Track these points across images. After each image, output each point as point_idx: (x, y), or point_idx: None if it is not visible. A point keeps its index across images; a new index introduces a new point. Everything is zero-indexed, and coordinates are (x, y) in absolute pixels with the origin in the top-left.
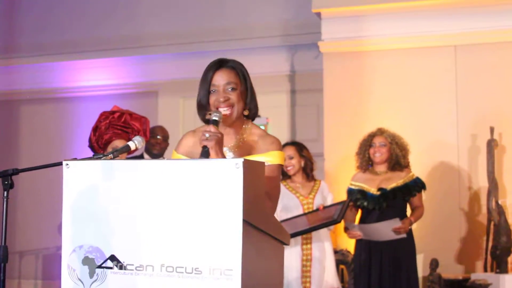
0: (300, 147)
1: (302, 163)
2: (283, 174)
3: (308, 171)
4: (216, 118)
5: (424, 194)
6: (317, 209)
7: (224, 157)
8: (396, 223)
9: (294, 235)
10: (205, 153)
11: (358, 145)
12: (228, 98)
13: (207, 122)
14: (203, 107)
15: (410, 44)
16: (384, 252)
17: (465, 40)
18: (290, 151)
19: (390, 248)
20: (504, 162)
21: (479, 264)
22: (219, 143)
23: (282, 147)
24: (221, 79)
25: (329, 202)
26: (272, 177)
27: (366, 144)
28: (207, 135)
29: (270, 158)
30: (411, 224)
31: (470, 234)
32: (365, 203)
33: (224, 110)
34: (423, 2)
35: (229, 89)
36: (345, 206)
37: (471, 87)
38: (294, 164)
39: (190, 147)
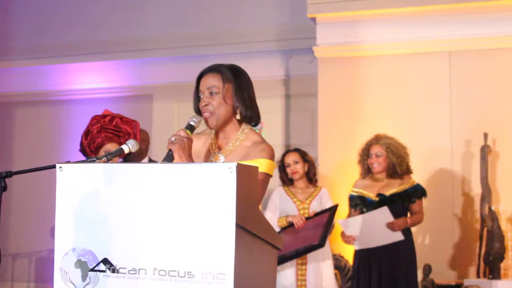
0: (303, 152)
1: (306, 168)
2: (286, 179)
3: (312, 176)
4: (192, 123)
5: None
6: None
7: (191, 161)
8: (384, 212)
9: (280, 262)
10: (168, 157)
11: (359, 153)
12: (207, 103)
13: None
14: (198, 113)
15: (404, 50)
16: (383, 261)
17: (460, 46)
18: (295, 156)
19: (390, 257)
20: (498, 168)
21: (472, 270)
22: (183, 147)
23: (285, 154)
24: (203, 84)
25: None
26: None
27: (364, 154)
28: (173, 138)
29: (256, 165)
30: (406, 224)
31: (463, 240)
32: (364, 209)
33: (205, 115)
34: (418, 8)
35: (210, 94)
36: (329, 227)
37: (465, 93)
38: (299, 169)
39: (196, 151)
